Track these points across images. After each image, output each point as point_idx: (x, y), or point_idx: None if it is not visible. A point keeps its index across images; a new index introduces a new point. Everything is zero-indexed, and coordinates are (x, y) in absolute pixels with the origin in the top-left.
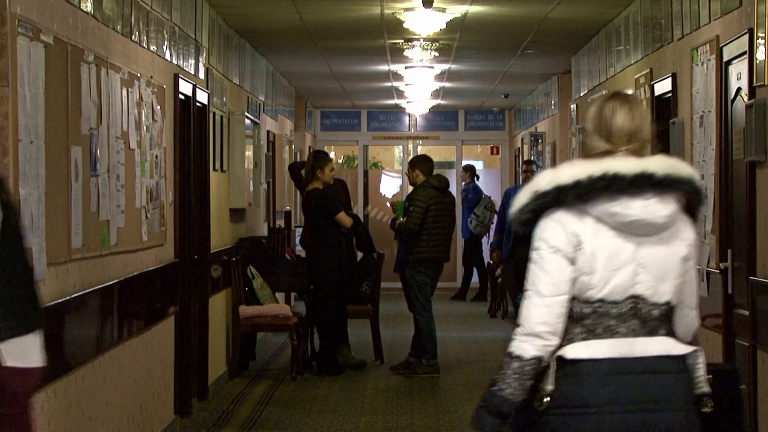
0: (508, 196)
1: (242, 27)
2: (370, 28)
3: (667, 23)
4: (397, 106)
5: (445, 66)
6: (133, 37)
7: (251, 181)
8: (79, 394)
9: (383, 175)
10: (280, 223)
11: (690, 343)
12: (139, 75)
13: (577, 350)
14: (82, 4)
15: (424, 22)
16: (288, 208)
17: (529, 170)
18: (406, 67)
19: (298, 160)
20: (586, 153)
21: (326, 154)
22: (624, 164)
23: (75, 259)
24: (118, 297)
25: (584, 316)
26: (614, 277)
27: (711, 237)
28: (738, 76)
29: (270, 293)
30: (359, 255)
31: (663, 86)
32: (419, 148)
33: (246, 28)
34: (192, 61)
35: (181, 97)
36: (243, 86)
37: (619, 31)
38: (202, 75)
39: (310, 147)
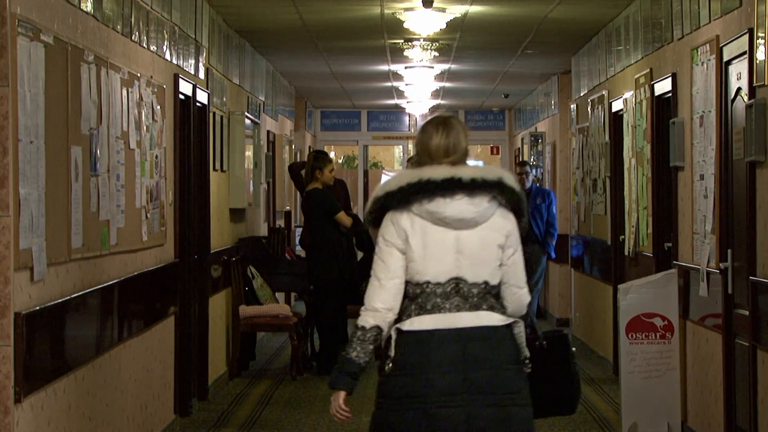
0: None
1: (242, 27)
2: (370, 28)
3: (667, 23)
4: (397, 106)
5: (445, 66)
6: (133, 37)
7: (251, 181)
8: (79, 394)
9: (383, 175)
10: (280, 223)
11: (519, 316)
12: (139, 75)
13: (411, 324)
14: (82, 4)
15: (424, 22)
16: (288, 208)
17: (523, 171)
18: (406, 67)
19: (298, 160)
20: (419, 166)
21: (326, 155)
22: (436, 171)
23: (75, 259)
24: (118, 297)
25: (417, 295)
26: (438, 263)
27: (711, 237)
28: (738, 76)
29: (270, 293)
30: (359, 255)
31: (663, 86)
32: None
33: (246, 28)
34: (192, 61)
35: (181, 97)
36: (243, 86)
37: (619, 31)
38: (202, 75)
39: (310, 147)
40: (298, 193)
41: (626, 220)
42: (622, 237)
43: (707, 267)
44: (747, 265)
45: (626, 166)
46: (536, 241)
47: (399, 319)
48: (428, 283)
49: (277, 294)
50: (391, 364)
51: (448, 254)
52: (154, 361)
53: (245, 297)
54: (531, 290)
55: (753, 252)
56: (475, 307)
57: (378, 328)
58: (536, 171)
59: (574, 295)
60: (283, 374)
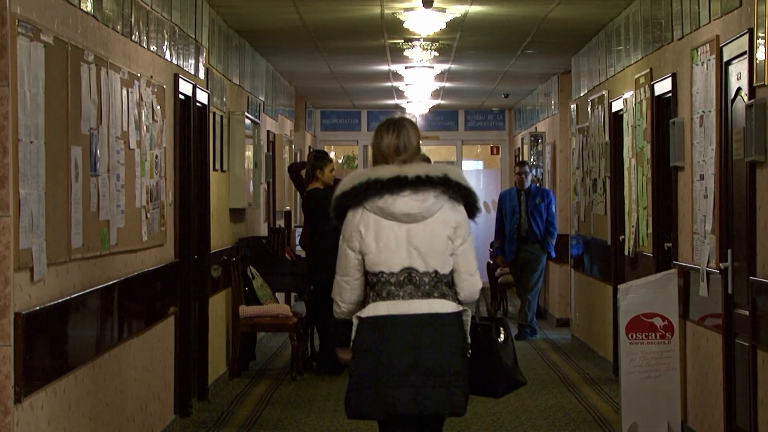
0: (503, 200)
1: (242, 27)
2: (370, 28)
3: (667, 23)
4: (397, 106)
5: (445, 66)
6: (133, 37)
7: (251, 181)
8: (79, 394)
9: None
10: (280, 223)
11: (472, 301)
12: (139, 75)
13: (368, 311)
14: (82, 4)
15: (424, 22)
16: (288, 208)
17: (522, 171)
18: (406, 67)
19: (298, 160)
20: (374, 164)
21: (326, 154)
22: (384, 171)
23: (75, 259)
24: (118, 297)
25: (374, 284)
26: (391, 254)
27: (711, 237)
28: (738, 76)
29: (270, 293)
30: None
31: (663, 86)
32: None
33: (246, 28)
34: (192, 61)
35: (181, 97)
36: (243, 86)
37: (619, 31)
38: (202, 75)
39: (310, 147)
40: (298, 193)
41: (626, 220)
42: (622, 237)
43: (707, 267)
44: (747, 265)
45: (626, 166)
46: (536, 240)
47: (363, 305)
48: (383, 273)
49: (277, 294)
50: (353, 345)
51: (400, 246)
52: (154, 361)
53: (245, 297)
54: (532, 290)
55: (753, 252)
56: (427, 295)
57: (342, 318)
58: (536, 171)
59: (574, 295)
60: (283, 374)
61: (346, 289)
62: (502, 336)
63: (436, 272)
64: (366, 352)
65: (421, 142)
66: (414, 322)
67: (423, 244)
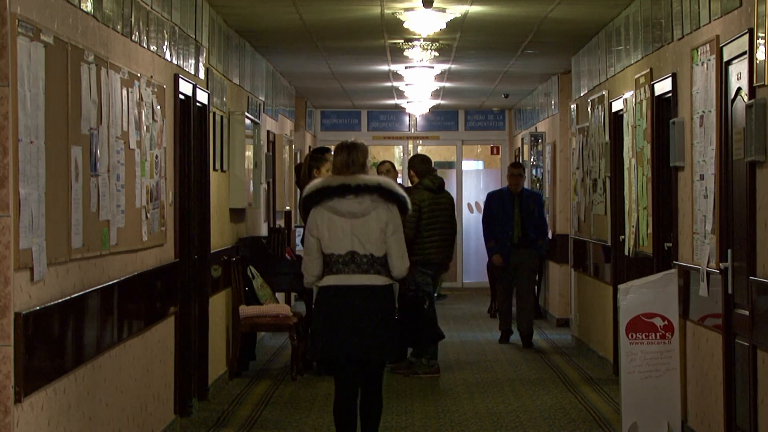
0: (491, 201)
1: (242, 27)
2: (370, 28)
3: (667, 23)
4: (397, 106)
5: (445, 66)
6: (133, 37)
7: (251, 181)
8: (79, 394)
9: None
10: (280, 223)
11: (395, 278)
12: (139, 75)
13: (323, 281)
14: (82, 4)
15: (424, 22)
16: (288, 208)
17: (520, 174)
18: (406, 67)
19: (298, 160)
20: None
21: (324, 153)
22: (335, 180)
23: (75, 259)
24: (118, 297)
25: (327, 262)
26: (339, 241)
27: (711, 237)
28: (738, 76)
29: (270, 293)
30: None
31: (663, 86)
32: (419, 148)
33: (246, 28)
34: (192, 61)
35: (181, 97)
36: (243, 86)
37: (619, 31)
38: (202, 75)
39: (309, 147)
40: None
41: (626, 220)
42: (622, 237)
43: (707, 267)
44: (747, 265)
45: (626, 166)
46: (529, 245)
47: (321, 278)
48: (333, 254)
49: (277, 294)
50: (314, 306)
51: (345, 235)
52: (154, 361)
53: (245, 297)
54: (529, 293)
55: (753, 252)
56: (365, 272)
57: (309, 287)
58: (536, 171)
59: (574, 295)
60: (283, 374)
61: (312, 265)
62: (426, 304)
63: (372, 255)
64: (322, 311)
65: (421, 144)
66: (354, 291)
67: (362, 234)
